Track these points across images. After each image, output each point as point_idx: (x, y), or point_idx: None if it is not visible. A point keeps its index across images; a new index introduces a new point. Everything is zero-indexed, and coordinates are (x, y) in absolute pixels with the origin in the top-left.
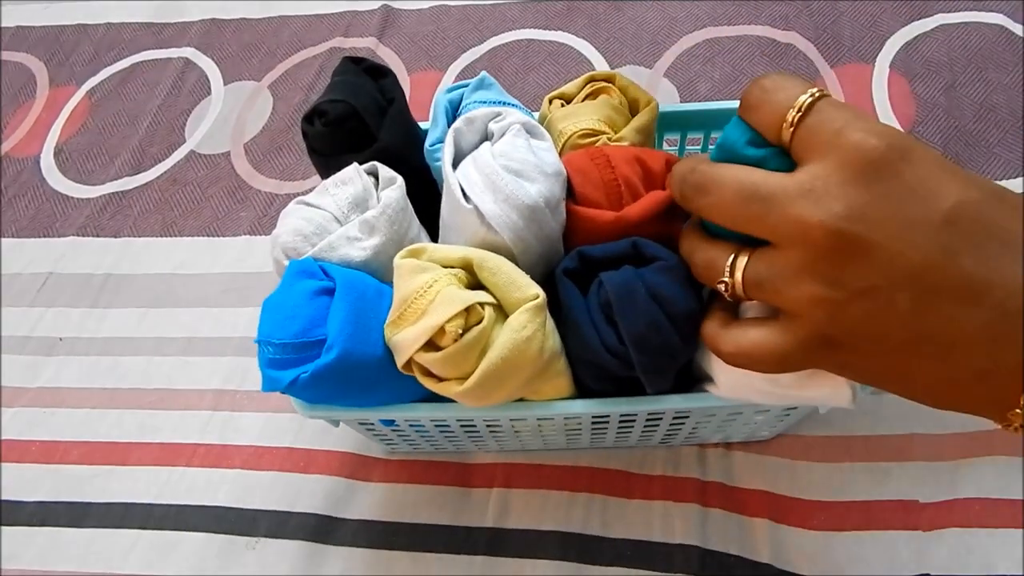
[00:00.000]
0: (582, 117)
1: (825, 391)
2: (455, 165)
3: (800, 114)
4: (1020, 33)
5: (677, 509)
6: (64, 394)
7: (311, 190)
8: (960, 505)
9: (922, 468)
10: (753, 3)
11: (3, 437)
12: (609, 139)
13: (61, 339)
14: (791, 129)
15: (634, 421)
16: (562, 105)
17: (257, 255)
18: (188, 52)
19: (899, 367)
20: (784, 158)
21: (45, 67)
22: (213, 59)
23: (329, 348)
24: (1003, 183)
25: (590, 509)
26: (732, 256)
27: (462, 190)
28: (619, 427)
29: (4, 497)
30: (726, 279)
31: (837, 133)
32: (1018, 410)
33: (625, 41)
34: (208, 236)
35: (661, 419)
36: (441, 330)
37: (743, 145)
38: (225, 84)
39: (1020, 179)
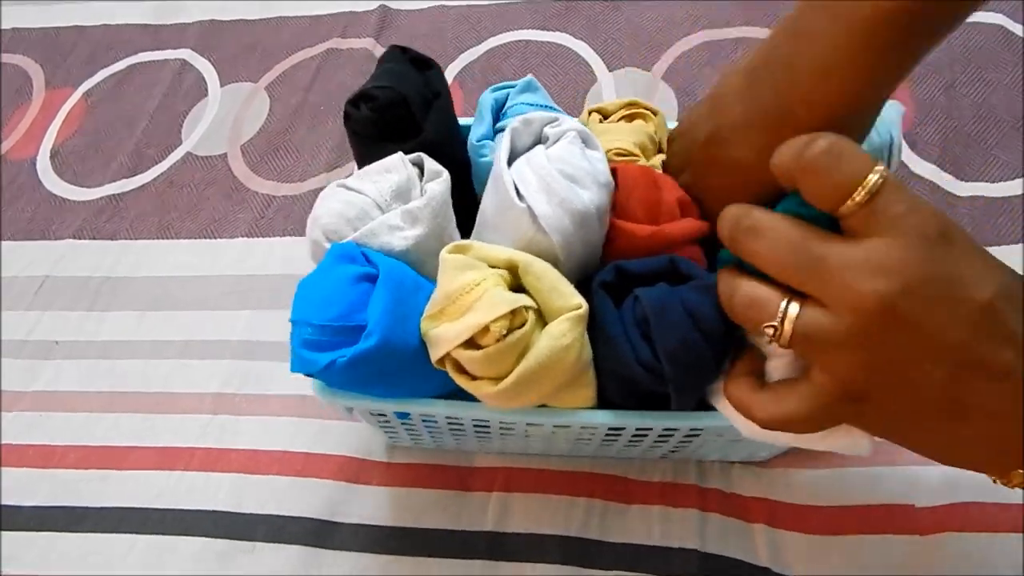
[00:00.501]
0: (619, 136)
1: (845, 442)
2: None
3: (869, 197)
4: (1020, 33)
5: (676, 514)
6: (61, 398)
7: (309, 192)
8: (958, 509)
9: (919, 472)
10: (752, 4)
11: (0, 441)
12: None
13: (58, 342)
14: (856, 208)
15: (646, 435)
16: (600, 120)
17: (256, 257)
18: (185, 53)
19: (917, 426)
20: (829, 223)
21: (41, 69)
22: (210, 60)
23: (369, 335)
24: (1002, 185)
25: (590, 513)
26: (785, 301)
27: (516, 189)
28: (629, 439)
29: (2, 501)
30: (776, 324)
31: (901, 217)
32: (1020, 471)
33: (623, 42)
34: (206, 238)
35: (672, 435)
36: (484, 329)
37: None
38: (222, 85)
39: (1019, 180)
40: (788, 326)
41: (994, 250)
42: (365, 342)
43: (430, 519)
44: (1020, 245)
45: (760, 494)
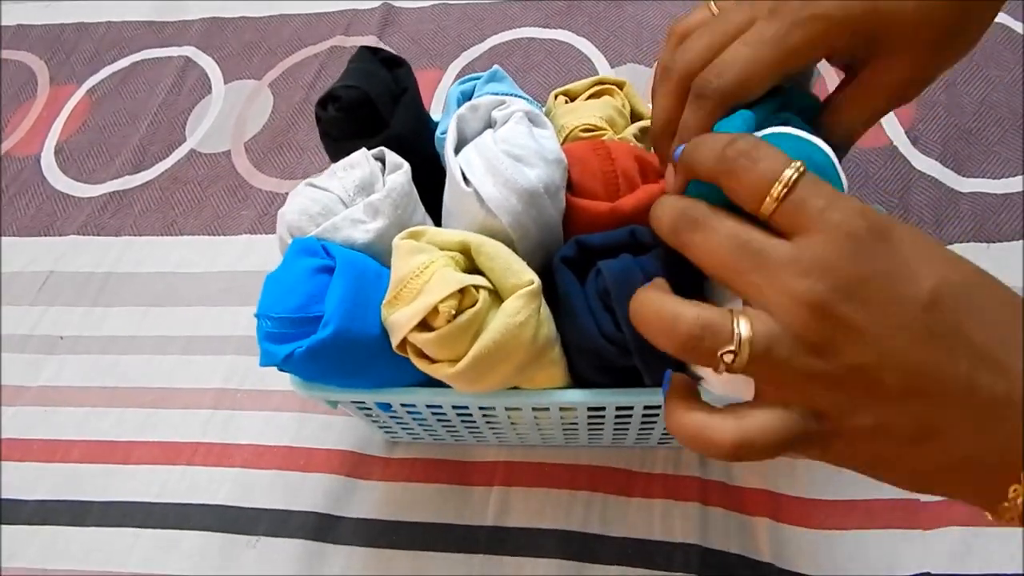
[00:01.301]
0: (585, 113)
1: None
2: (458, 151)
3: (786, 190)
4: (1020, 31)
5: (678, 508)
6: (65, 393)
7: None
8: (960, 504)
9: None
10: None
11: (4, 436)
12: (609, 138)
13: (62, 338)
14: (775, 204)
15: (631, 416)
16: (566, 102)
17: (258, 253)
18: (189, 51)
19: (886, 451)
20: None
21: (46, 66)
22: (214, 58)
23: (325, 324)
24: (1003, 181)
25: (591, 508)
26: (735, 321)
27: (463, 174)
28: (616, 423)
29: (5, 496)
30: (733, 349)
31: (821, 212)
32: (1006, 503)
33: (625, 39)
34: (209, 235)
35: (658, 415)
36: (435, 310)
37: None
38: (226, 83)
39: (1019, 177)
40: (745, 349)
41: (995, 246)
42: (322, 331)
43: (430, 514)
44: (1020, 242)
45: (763, 486)
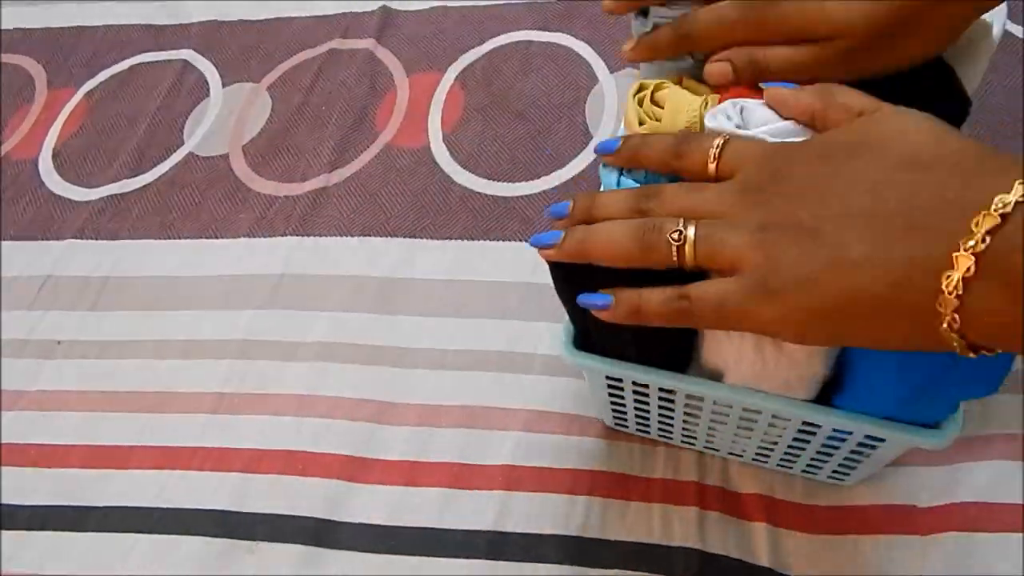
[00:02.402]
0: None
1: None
2: None
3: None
4: (1020, 35)
5: (676, 512)
6: (63, 397)
7: (310, 192)
8: (959, 509)
9: (920, 472)
10: None
11: (2, 440)
12: None
13: (60, 342)
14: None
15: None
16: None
17: (257, 257)
18: (186, 54)
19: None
20: None
21: (44, 69)
22: (212, 61)
23: None
24: None
25: (589, 511)
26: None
27: None
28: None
29: (3, 501)
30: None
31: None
32: (946, 294)
33: (625, 43)
34: (207, 238)
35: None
36: None
37: None
38: (224, 86)
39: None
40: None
41: None
42: None
43: (429, 518)
44: None
45: (761, 491)
